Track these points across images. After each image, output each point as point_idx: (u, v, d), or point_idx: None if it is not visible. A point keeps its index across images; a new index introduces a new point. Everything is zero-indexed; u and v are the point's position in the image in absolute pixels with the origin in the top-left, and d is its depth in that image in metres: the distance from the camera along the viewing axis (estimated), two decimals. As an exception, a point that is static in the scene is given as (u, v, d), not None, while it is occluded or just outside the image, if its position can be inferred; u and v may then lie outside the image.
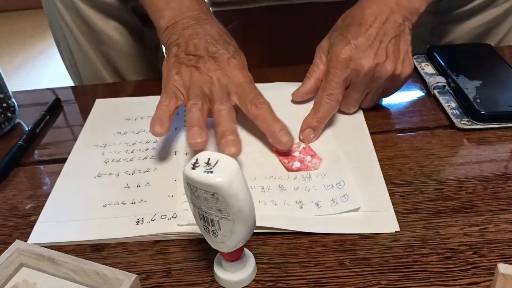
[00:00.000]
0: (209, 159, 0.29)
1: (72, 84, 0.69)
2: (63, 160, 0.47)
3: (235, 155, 0.39)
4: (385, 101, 0.52)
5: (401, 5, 0.45)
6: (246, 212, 0.29)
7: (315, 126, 0.45)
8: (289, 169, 0.42)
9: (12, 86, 0.53)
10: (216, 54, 0.44)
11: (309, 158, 0.43)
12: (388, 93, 0.48)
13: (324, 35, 0.50)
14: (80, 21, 0.59)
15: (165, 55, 0.51)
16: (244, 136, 0.47)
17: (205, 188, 0.28)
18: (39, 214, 0.41)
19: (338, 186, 0.40)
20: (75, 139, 0.50)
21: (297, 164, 0.43)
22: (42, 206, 0.41)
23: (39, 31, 1.90)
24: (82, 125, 0.52)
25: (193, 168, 0.29)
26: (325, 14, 0.89)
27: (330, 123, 0.48)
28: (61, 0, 0.58)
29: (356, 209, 0.38)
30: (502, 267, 0.22)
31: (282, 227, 0.37)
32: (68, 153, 0.48)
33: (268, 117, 0.42)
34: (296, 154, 0.44)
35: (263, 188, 0.41)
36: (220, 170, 0.28)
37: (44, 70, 1.73)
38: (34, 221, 0.40)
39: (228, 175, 0.28)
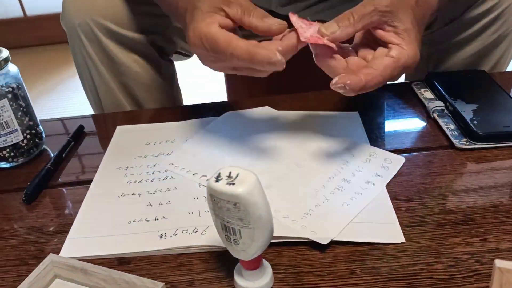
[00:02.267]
0: (230, 172, 0.32)
1: (93, 112, 0.73)
2: (88, 182, 0.50)
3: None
4: (387, 124, 0.55)
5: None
6: (265, 220, 0.32)
7: (354, 89, 0.41)
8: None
9: (39, 114, 0.57)
10: None
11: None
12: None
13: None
14: (103, 54, 0.64)
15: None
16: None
17: (227, 198, 0.31)
18: (68, 231, 0.44)
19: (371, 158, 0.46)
20: (99, 162, 0.53)
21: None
22: (71, 224, 0.44)
23: (62, 64, 2.01)
24: (104, 150, 0.55)
25: (216, 181, 0.32)
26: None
27: (333, 143, 0.51)
28: (85, 35, 0.63)
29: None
30: (498, 262, 0.25)
31: (296, 235, 0.39)
32: (92, 176, 0.51)
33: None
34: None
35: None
36: (241, 182, 0.31)
37: (67, 101, 1.80)
38: (64, 238, 0.43)
39: (248, 186, 0.31)
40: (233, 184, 0.31)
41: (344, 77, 0.41)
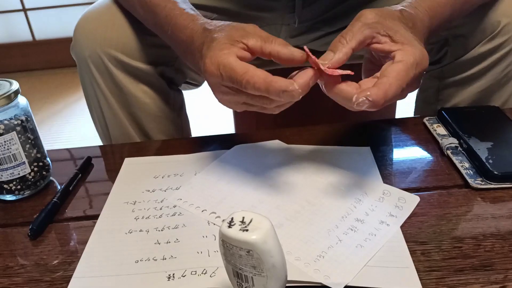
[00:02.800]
0: (243, 217, 0.31)
1: (100, 142, 0.73)
2: (95, 217, 0.49)
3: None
4: (400, 160, 0.54)
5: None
6: (279, 268, 0.31)
7: (377, 102, 0.39)
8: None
9: (44, 137, 0.56)
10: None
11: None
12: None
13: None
14: (112, 85, 0.64)
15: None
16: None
17: (240, 245, 0.30)
18: (73, 269, 0.42)
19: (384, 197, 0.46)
20: (106, 195, 0.52)
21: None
22: (76, 261, 0.43)
23: (69, 88, 2.03)
24: (112, 182, 0.55)
25: (229, 227, 0.31)
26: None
27: (344, 179, 0.50)
28: (96, 65, 0.63)
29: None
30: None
31: (309, 280, 0.38)
32: (100, 210, 0.50)
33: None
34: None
35: None
36: (255, 228, 0.30)
37: (73, 124, 1.81)
38: (69, 277, 0.42)
39: (262, 233, 0.30)
40: (247, 230, 0.30)
41: (362, 92, 0.40)
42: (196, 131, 0.74)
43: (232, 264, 0.32)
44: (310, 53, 0.42)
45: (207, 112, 1.63)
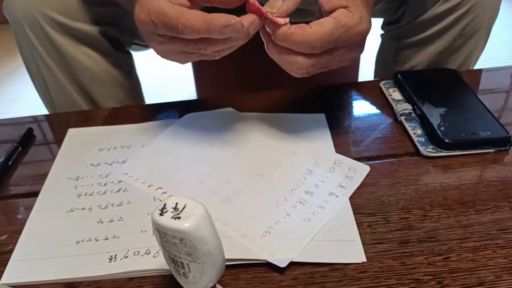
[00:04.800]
0: (176, 203, 0.30)
1: (45, 109, 0.69)
2: (37, 194, 0.47)
3: None
4: (354, 127, 0.53)
5: None
6: (215, 255, 0.30)
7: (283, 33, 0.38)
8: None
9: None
10: None
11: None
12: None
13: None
14: (51, 48, 0.59)
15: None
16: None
17: (173, 233, 0.29)
18: (11, 252, 0.40)
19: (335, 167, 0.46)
20: (48, 170, 0.50)
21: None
22: (16, 242, 0.41)
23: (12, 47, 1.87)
24: (55, 155, 0.52)
25: (161, 214, 0.29)
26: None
27: (297, 148, 0.49)
28: (31, 28, 0.58)
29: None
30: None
31: (253, 257, 0.37)
32: (41, 186, 0.47)
33: None
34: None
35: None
36: (187, 216, 0.29)
37: (20, 88, 1.69)
38: (8, 259, 0.40)
39: (195, 220, 0.28)
40: (179, 218, 0.29)
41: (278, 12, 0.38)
42: (156, 98, 0.70)
43: (167, 251, 0.31)
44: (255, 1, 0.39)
45: (168, 77, 1.56)
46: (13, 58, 1.85)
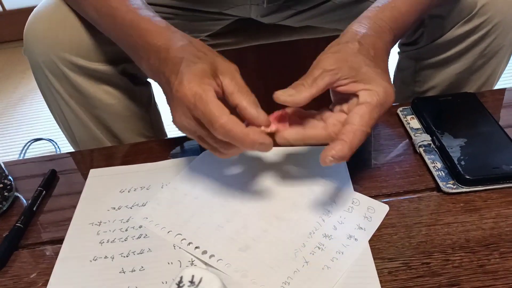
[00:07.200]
0: (193, 276, 0.30)
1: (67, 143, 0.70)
2: (61, 240, 0.48)
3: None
4: (372, 159, 0.52)
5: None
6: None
7: (344, 156, 0.40)
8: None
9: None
10: None
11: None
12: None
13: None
14: (72, 89, 0.61)
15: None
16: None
17: (191, 307, 0.29)
18: (39, 304, 0.42)
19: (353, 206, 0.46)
20: (72, 212, 0.51)
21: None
22: (42, 294, 0.43)
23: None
24: (78, 196, 0.53)
25: (178, 287, 0.30)
26: (316, 47, 0.90)
27: (315, 186, 0.49)
28: (50, 70, 0.59)
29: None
30: None
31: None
32: (65, 231, 0.49)
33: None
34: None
35: None
36: (204, 289, 0.29)
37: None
38: (34, 313, 0.41)
39: (212, 295, 0.29)
40: (196, 292, 0.29)
41: (327, 150, 0.40)
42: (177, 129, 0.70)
43: (186, 320, 0.31)
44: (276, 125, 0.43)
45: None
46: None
